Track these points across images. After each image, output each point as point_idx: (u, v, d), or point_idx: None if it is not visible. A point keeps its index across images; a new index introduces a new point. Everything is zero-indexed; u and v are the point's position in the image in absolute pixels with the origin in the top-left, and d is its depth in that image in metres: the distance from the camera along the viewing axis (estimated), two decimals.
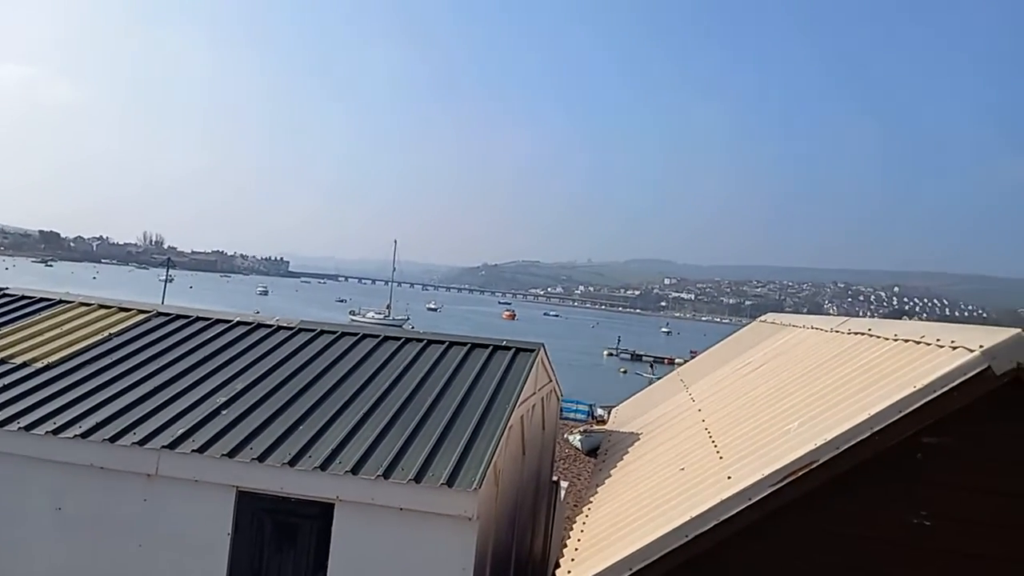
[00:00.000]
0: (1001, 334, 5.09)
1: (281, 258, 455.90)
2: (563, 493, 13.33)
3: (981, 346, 5.00)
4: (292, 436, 7.07)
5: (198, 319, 10.02)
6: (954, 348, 5.30)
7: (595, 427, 25.91)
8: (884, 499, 5.05)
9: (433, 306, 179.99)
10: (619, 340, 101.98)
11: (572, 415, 35.89)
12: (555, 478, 13.26)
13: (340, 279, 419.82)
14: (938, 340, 5.65)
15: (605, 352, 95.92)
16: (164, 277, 76.63)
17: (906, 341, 6.28)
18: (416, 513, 6.29)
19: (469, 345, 9.41)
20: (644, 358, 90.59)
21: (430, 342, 9.51)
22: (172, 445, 6.84)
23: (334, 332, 9.75)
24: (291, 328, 9.86)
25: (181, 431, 7.06)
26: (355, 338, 9.56)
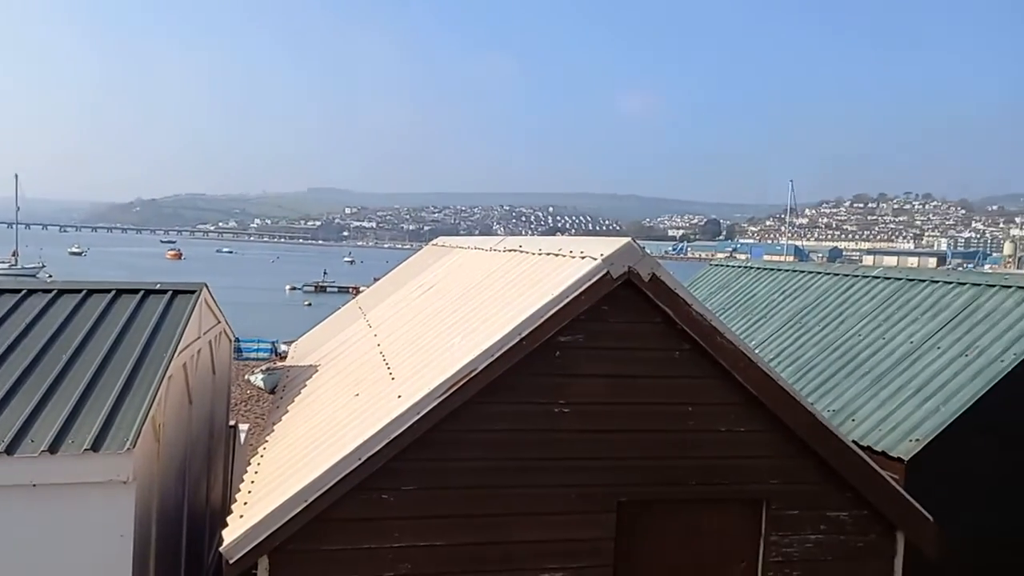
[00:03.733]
0: (617, 243, 5.96)
1: None
2: (243, 437, 12.77)
3: (602, 254, 5.80)
4: None
5: None
6: (583, 258, 6.08)
7: (278, 364, 25.14)
8: (531, 395, 5.70)
9: (77, 250, 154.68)
10: (325, 273, 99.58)
11: (254, 354, 34.38)
12: (232, 423, 12.61)
13: None
14: (571, 252, 6.43)
15: (288, 287, 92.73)
16: None
17: (548, 254, 7.05)
18: (57, 487, 5.48)
19: (114, 292, 8.27)
20: (328, 289, 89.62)
21: (62, 292, 8.15)
22: None
23: None
24: None
25: None
26: None
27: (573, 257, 6.30)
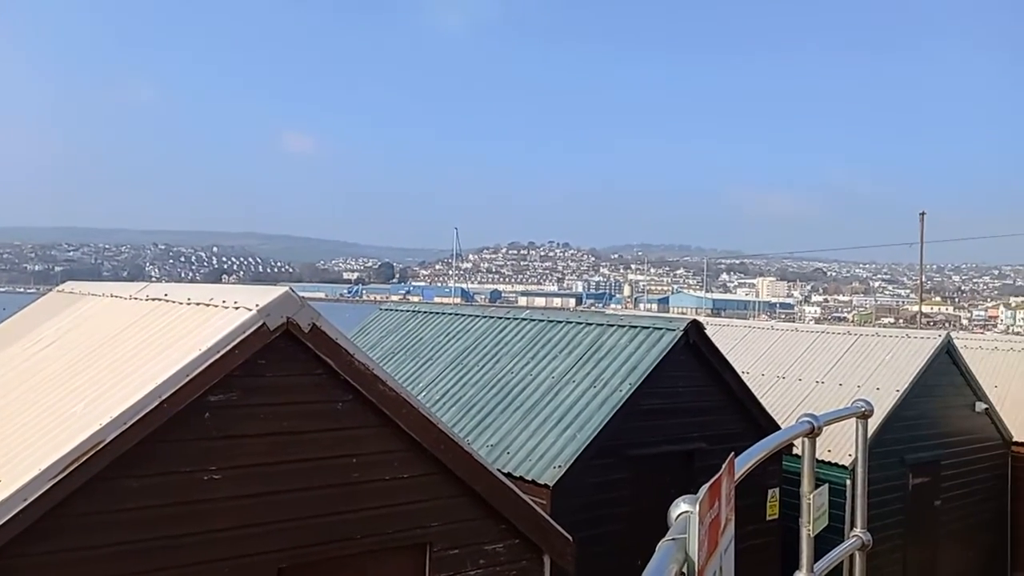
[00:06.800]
0: (273, 292, 5.68)
1: None
2: None
3: (257, 305, 5.48)
4: None
5: None
6: (236, 308, 5.68)
7: None
8: (176, 464, 5.10)
9: None
10: None
11: None
12: None
13: None
14: (224, 301, 5.96)
15: None
16: None
17: (198, 304, 6.44)
18: None
19: None
20: None
21: None
22: None
23: None
24: None
25: None
26: None
27: (226, 307, 5.84)
